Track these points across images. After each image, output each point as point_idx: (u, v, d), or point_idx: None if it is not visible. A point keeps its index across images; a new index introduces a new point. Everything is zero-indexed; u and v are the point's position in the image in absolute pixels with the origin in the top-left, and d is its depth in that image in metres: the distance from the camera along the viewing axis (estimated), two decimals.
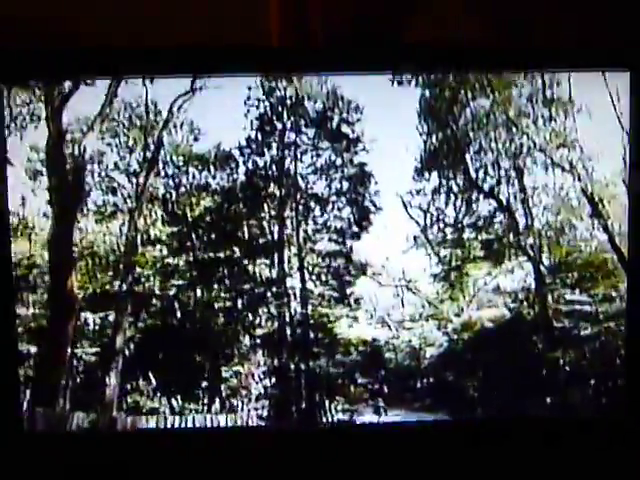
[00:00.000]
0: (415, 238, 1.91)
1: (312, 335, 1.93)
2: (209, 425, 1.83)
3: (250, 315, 1.91)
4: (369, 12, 1.66)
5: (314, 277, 1.93)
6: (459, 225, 1.91)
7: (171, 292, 1.87)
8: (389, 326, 1.99)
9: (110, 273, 1.84)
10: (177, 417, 1.86)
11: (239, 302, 1.90)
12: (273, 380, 1.92)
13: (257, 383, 1.89)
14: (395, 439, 1.76)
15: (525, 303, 1.92)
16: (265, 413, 1.91)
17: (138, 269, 1.87)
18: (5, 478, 1.54)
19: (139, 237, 1.85)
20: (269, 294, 1.91)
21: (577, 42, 1.55)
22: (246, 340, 1.91)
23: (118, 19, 1.57)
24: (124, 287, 1.85)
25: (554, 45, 1.56)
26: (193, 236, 1.89)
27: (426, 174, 1.86)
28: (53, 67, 1.53)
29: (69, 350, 1.82)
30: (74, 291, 1.76)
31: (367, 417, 2.01)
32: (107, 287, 1.84)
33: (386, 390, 2.04)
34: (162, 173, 1.81)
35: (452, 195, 1.89)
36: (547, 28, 1.66)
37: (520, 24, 1.67)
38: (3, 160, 1.54)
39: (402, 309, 2.00)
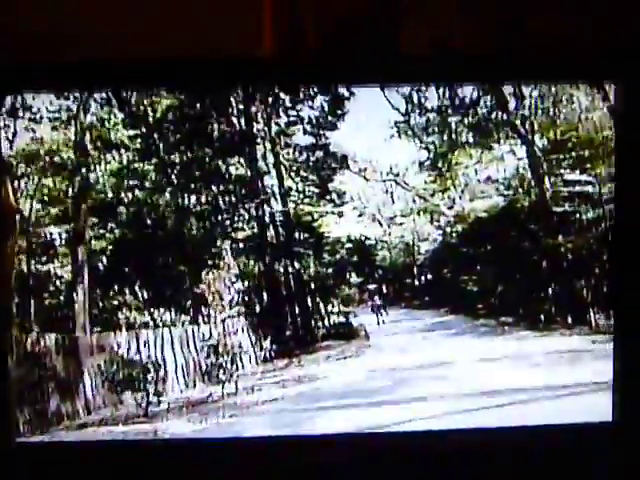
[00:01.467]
0: (397, 124, 1.79)
1: (297, 235, 1.85)
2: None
3: (227, 218, 1.86)
4: (362, 16, 1.55)
5: (292, 173, 1.83)
6: (443, 108, 1.79)
7: (140, 199, 1.83)
8: (379, 222, 1.92)
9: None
10: (154, 329, 1.84)
11: (214, 205, 1.86)
12: (258, 286, 1.89)
13: (239, 292, 1.85)
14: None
15: (520, 189, 1.81)
16: (254, 321, 1.90)
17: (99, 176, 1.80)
18: None
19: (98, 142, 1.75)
20: (245, 194, 1.86)
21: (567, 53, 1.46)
22: (226, 245, 1.85)
23: (114, 30, 1.48)
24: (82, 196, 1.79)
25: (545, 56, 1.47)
26: (156, 137, 1.81)
27: None
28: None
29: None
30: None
31: (364, 318, 2.01)
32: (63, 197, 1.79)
33: (383, 289, 1.98)
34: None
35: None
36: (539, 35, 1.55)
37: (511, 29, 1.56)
38: None
39: (391, 204, 1.91)
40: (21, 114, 1.72)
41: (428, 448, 1.48)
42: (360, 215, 1.92)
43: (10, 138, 1.65)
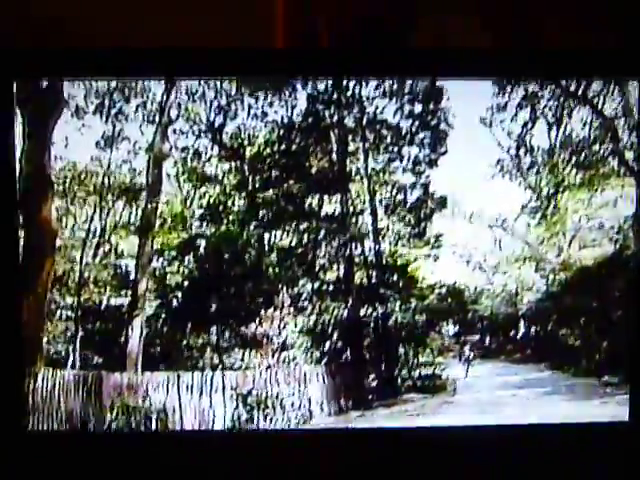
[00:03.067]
0: (499, 163, 1.74)
1: (387, 277, 1.79)
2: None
3: (314, 256, 1.87)
4: (374, 13, 1.68)
5: (388, 212, 1.79)
6: (551, 145, 1.74)
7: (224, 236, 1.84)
8: (479, 268, 1.85)
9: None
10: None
11: (302, 242, 1.86)
12: (344, 330, 1.84)
13: (322, 334, 1.83)
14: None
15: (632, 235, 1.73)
16: (334, 367, 1.87)
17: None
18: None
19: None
20: (335, 232, 1.85)
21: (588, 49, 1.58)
22: (308, 285, 1.84)
23: (128, 20, 1.63)
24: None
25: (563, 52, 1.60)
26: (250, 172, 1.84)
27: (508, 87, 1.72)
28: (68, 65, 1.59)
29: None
30: None
31: (456, 371, 1.95)
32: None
33: (479, 340, 1.98)
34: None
35: (540, 109, 1.72)
36: (554, 35, 1.70)
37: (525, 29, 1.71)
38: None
39: (492, 249, 1.86)
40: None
41: None
42: (458, 260, 1.84)
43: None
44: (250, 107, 1.81)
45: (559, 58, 1.63)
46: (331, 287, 1.84)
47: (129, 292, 1.84)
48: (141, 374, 1.78)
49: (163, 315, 1.84)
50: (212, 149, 1.82)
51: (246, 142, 1.81)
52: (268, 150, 1.82)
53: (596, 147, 1.80)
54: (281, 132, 1.80)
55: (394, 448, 1.69)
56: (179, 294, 1.84)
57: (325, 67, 1.68)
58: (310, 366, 1.84)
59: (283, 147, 1.81)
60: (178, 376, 1.79)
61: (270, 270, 1.83)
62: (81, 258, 1.80)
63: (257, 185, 1.83)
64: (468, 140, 1.79)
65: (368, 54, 1.65)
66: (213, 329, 1.83)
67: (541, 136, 1.83)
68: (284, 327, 1.83)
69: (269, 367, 1.82)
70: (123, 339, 1.82)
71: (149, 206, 1.81)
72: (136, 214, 1.81)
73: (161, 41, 1.50)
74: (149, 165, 1.81)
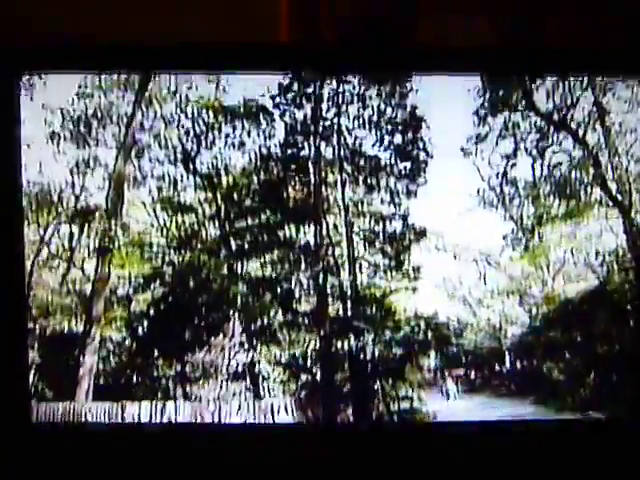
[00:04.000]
0: (479, 192, 1.73)
1: (363, 309, 1.78)
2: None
3: (289, 287, 1.85)
4: (379, 9, 1.69)
5: (366, 243, 1.78)
6: (533, 176, 1.73)
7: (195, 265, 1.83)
8: (459, 300, 1.84)
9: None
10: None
11: (274, 273, 1.84)
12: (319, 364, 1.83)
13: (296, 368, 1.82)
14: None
15: (617, 268, 1.71)
16: (306, 403, 1.84)
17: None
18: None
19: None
20: (310, 263, 1.84)
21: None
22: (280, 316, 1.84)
23: (131, 16, 1.65)
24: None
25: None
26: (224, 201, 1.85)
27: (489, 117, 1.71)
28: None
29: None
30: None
31: (435, 404, 1.90)
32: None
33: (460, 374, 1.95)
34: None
35: (521, 139, 1.72)
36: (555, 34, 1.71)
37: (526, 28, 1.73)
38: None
39: (470, 279, 1.84)
40: None
41: None
42: (438, 292, 1.83)
43: None
44: (227, 136, 1.81)
45: (560, 56, 1.65)
46: (305, 319, 1.82)
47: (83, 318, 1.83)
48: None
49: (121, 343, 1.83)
50: (187, 178, 1.81)
51: (222, 171, 1.80)
52: (244, 180, 1.81)
53: (578, 174, 1.77)
54: (258, 162, 1.79)
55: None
56: (144, 322, 1.82)
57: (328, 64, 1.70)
58: (279, 399, 1.83)
59: (260, 177, 1.80)
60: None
61: (239, 300, 1.82)
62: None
63: (232, 215, 1.82)
64: (448, 170, 1.78)
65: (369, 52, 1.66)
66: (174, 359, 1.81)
67: (523, 166, 1.81)
68: (251, 359, 1.82)
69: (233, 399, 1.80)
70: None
71: (108, 229, 1.81)
72: (94, 237, 1.81)
73: (162, 36, 1.52)
74: (110, 188, 1.82)
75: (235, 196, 1.84)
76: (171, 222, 1.84)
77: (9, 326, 1.59)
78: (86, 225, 1.80)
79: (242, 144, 1.82)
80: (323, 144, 1.81)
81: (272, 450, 1.64)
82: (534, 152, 1.80)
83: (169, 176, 1.82)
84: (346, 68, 1.73)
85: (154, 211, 1.83)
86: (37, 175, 1.73)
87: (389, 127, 1.81)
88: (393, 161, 1.83)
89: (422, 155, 1.82)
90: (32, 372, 1.72)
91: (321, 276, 1.83)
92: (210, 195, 1.84)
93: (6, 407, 1.59)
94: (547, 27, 1.74)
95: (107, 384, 1.81)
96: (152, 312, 1.84)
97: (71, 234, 1.83)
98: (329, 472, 1.65)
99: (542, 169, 1.80)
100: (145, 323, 1.84)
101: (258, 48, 1.59)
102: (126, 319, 1.85)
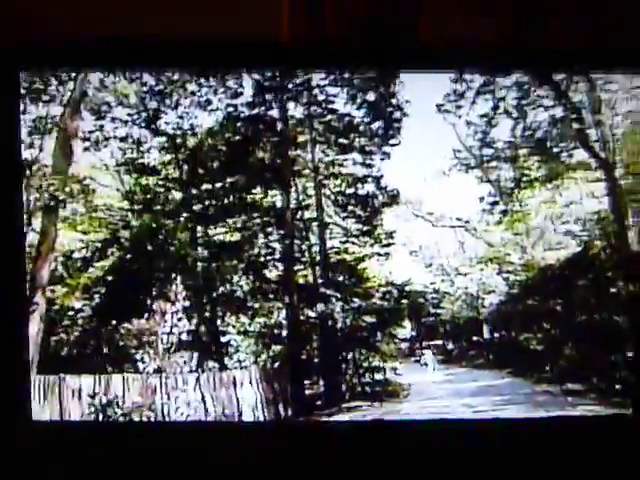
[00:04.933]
0: (456, 154, 1.68)
1: (334, 276, 1.75)
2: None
3: (256, 253, 1.80)
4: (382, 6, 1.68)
5: (337, 207, 1.72)
6: (512, 135, 1.66)
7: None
8: (427, 265, 1.79)
9: None
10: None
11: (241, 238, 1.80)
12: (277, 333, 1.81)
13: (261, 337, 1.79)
14: None
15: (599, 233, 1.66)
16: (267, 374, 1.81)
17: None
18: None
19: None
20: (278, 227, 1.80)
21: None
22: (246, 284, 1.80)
23: (131, 12, 1.64)
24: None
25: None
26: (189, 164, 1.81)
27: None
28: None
29: None
30: None
31: (411, 377, 1.88)
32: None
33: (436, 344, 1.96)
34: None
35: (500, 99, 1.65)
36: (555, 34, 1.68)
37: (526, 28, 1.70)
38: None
39: (443, 244, 1.79)
40: None
41: None
42: (412, 258, 1.78)
43: None
44: (193, 94, 1.74)
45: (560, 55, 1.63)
46: (272, 286, 1.77)
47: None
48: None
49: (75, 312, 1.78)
50: (151, 139, 1.75)
51: (188, 132, 1.74)
52: (210, 141, 1.75)
53: (560, 130, 1.71)
54: (225, 122, 1.73)
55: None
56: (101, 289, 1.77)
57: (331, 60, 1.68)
58: (243, 370, 1.79)
59: (227, 138, 1.74)
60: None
61: (201, 265, 1.78)
62: None
63: (196, 178, 1.77)
64: (424, 130, 1.72)
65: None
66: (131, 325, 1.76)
67: (503, 125, 1.75)
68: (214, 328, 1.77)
69: (193, 371, 1.76)
70: None
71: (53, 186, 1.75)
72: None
73: (164, 31, 1.52)
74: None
75: (199, 157, 1.78)
76: (134, 185, 1.78)
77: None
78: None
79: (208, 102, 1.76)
80: (292, 103, 1.73)
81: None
82: (513, 111, 1.73)
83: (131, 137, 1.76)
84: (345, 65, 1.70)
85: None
86: None
87: (362, 84, 1.74)
88: (366, 120, 1.76)
89: (397, 114, 1.75)
90: None
91: (289, 241, 1.78)
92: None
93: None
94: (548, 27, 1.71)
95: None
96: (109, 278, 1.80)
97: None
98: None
99: (521, 127, 1.74)
100: (102, 290, 1.79)
101: (257, 46, 1.58)
102: (80, 285, 1.79)
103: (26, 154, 1.67)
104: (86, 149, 1.78)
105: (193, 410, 1.71)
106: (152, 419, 1.70)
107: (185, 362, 1.74)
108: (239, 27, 1.55)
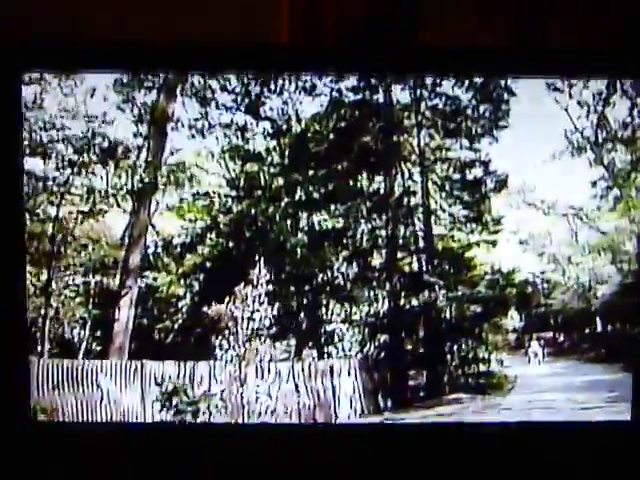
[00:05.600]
0: (568, 138, 1.62)
1: (439, 264, 1.79)
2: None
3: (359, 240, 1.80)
4: (381, 11, 1.68)
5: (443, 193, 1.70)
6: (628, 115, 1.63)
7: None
8: (542, 257, 1.74)
9: None
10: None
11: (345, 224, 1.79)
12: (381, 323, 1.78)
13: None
14: None
15: None
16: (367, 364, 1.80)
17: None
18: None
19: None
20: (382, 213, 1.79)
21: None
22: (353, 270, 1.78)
23: (131, 14, 1.66)
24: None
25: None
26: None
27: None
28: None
29: None
30: None
31: (516, 369, 1.84)
32: None
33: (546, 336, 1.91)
34: None
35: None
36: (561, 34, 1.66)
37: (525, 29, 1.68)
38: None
39: (555, 232, 1.73)
40: None
41: None
42: (522, 247, 1.74)
43: None
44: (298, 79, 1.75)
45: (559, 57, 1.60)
46: (375, 274, 1.77)
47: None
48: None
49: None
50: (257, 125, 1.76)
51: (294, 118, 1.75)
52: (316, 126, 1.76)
53: None
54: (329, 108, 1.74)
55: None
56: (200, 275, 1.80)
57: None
58: (342, 360, 1.79)
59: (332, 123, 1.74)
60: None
61: (304, 253, 1.79)
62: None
63: (300, 163, 1.78)
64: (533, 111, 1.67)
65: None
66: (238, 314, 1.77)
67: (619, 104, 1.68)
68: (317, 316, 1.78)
69: (295, 358, 1.77)
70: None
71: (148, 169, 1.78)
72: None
73: (164, 36, 1.54)
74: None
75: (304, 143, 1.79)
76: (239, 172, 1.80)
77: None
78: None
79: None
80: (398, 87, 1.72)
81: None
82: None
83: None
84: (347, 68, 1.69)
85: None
86: None
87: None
88: (474, 102, 1.73)
89: (504, 95, 1.71)
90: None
91: (393, 228, 1.76)
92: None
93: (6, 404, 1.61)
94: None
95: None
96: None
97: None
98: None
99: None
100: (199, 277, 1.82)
101: (258, 49, 1.59)
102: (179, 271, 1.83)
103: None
104: (192, 136, 1.81)
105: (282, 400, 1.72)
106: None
107: (283, 350, 1.75)
108: (238, 30, 1.57)
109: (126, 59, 1.60)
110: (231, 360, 1.72)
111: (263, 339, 1.74)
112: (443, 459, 1.58)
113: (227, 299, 1.73)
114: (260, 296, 1.73)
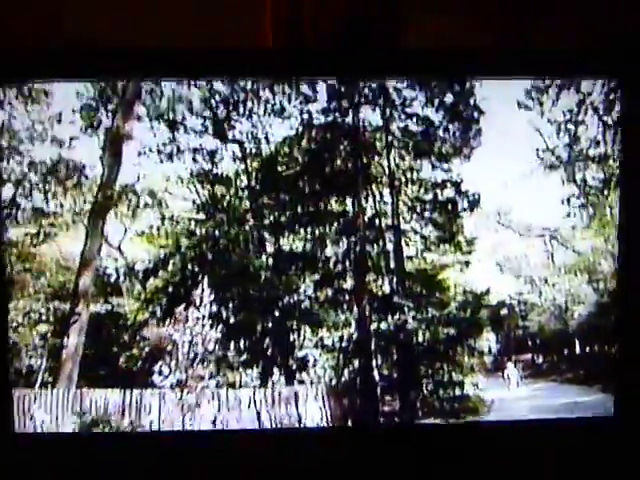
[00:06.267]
0: (539, 154, 1.70)
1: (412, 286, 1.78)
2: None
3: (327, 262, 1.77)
4: (361, 14, 1.71)
5: (414, 214, 1.71)
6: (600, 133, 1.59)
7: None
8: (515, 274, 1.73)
9: None
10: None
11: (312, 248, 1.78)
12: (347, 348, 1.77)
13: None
14: None
15: None
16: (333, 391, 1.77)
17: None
18: None
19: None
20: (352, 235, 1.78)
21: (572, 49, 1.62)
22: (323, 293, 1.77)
23: (114, 20, 1.69)
24: None
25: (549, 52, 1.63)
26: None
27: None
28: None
29: None
30: None
31: (490, 393, 1.81)
32: None
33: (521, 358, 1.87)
34: None
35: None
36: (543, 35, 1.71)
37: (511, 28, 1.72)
38: None
39: (530, 255, 1.78)
40: None
41: None
42: (495, 267, 1.73)
43: None
44: (267, 102, 1.74)
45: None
46: (345, 296, 1.76)
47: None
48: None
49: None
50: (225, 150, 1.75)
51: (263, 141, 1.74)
52: (285, 149, 1.74)
53: None
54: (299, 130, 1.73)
55: None
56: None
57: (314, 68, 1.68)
58: (309, 386, 1.76)
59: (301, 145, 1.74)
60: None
61: (269, 276, 1.77)
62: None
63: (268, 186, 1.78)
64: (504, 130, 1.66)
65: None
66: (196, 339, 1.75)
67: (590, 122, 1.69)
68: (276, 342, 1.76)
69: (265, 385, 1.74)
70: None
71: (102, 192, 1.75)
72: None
73: (147, 42, 1.53)
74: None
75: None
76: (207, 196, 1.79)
77: None
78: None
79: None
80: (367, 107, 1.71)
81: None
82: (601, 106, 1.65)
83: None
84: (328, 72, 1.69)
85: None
86: None
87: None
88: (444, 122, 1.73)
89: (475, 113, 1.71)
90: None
91: (364, 249, 1.75)
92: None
93: None
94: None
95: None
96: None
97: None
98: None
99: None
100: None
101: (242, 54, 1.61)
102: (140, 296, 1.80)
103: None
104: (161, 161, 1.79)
105: None
106: None
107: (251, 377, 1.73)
108: (219, 41, 1.58)
109: (92, 65, 1.59)
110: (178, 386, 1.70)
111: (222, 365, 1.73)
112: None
113: (173, 322, 1.72)
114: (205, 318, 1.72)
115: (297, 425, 1.73)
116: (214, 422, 1.69)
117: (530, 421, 1.72)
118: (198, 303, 1.72)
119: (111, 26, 1.65)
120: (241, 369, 1.71)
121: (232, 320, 1.73)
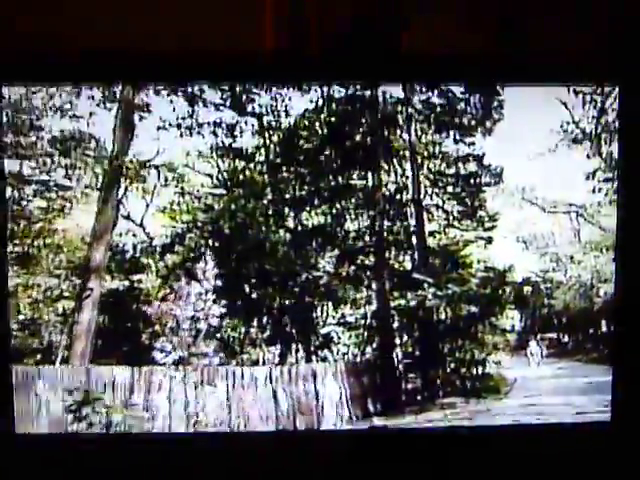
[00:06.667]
0: (563, 128, 1.67)
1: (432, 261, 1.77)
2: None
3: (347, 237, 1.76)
4: (366, 15, 1.70)
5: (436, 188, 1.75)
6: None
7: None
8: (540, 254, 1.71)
9: None
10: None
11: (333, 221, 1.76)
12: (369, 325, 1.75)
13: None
14: None
15: None
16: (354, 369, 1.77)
17: None
18: None
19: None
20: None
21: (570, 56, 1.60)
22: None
23: (115, 20, 1.68)
24: None
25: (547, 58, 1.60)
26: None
27: None
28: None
29: None
30: None
31: (515, 371, 1.80)
32: None
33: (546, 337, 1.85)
34: None
35: None
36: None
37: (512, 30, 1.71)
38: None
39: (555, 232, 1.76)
40: None
41: None
42: (519, 243, 1.70)
43: None
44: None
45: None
46: (366, 272, 1.74)
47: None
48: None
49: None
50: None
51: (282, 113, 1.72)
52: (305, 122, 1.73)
53: None
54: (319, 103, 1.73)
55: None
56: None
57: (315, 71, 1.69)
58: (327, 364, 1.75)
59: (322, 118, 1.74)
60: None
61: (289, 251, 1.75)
62: None
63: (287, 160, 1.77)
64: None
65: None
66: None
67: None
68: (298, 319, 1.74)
69: (279, 363, 1.73)
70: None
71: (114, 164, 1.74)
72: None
73: (148, 44, 1.54)
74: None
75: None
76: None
77: None
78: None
79: None
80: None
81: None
82: None
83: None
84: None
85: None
86: None
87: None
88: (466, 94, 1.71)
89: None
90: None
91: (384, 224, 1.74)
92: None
93: None
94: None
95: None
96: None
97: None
98: None
99: None
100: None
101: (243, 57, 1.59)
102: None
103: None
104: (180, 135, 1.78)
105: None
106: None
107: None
108: (220, 43, 1.56)
109: (99, 70, 1.60)
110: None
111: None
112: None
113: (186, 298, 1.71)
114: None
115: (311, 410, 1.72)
116: (228, 400, 1.69)
117: (529, 425, 1.70)
118: (213, 280, 1.71)
119: (111, 26, 1.65)
120: (258, 346, 1.72)
121: (251, 296, 1.73)
